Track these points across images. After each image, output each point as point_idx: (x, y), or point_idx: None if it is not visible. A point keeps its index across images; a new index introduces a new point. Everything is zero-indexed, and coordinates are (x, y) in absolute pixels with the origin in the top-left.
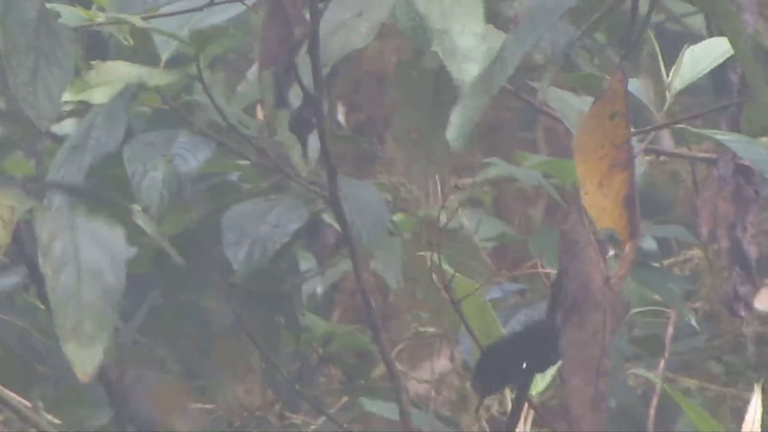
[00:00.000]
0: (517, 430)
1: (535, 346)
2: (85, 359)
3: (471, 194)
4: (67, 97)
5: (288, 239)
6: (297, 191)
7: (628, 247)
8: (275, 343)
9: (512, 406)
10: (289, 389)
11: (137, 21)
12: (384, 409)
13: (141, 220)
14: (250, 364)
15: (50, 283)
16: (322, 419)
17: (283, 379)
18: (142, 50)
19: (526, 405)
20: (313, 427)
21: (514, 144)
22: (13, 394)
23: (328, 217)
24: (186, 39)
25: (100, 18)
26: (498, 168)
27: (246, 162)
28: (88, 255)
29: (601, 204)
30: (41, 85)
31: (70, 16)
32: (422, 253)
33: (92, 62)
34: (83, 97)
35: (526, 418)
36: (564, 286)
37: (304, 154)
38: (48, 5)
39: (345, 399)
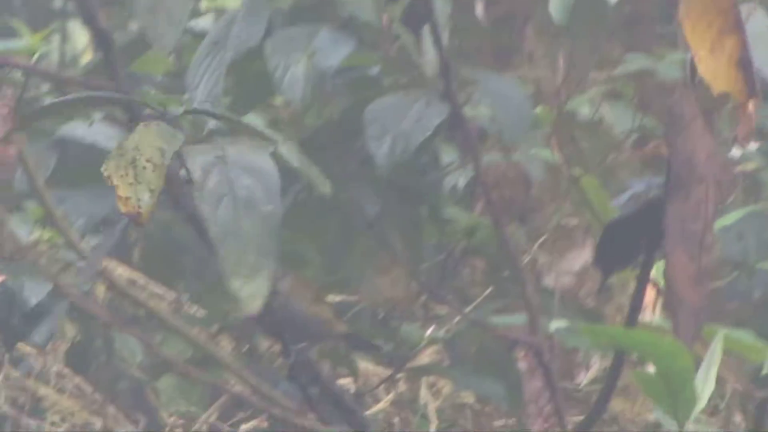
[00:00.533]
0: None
1: (654, 224)
2: (251, 292)
3: (612, 87)
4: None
5: (430, 133)
6: (438, 85)
7: (747, 108)
8: (418, 235)
9: (635, 287)
10: (433, 281)
11: None
12: (513, 320)
13: (285, 150)
14: (393, 256)
15: (209, 218)
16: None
17: (427, 271)
18: None
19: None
20: (457, 318)
21: (653, 38)
22: (156, 285)
23: (469, 111)
24: None
25: None
26: (638, 62)
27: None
28: (243, 185)
29: (714, 69)
30: (162, 12)
31: None
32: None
33: None
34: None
35: (654, 304)
36: (669, 161)
37: (420, 47)
38: None
39: (489, 290)
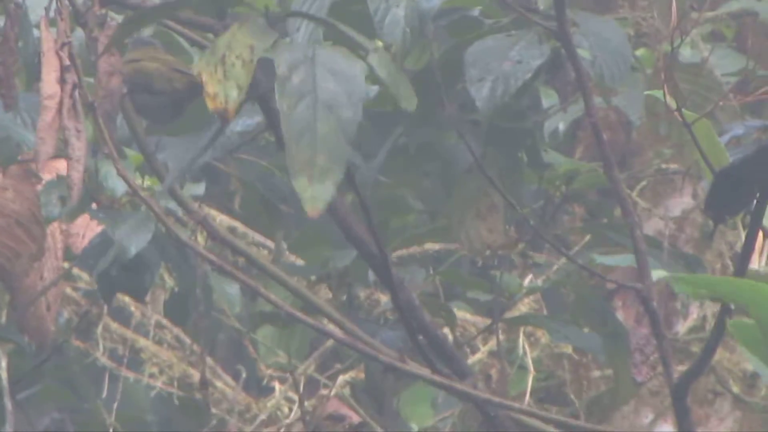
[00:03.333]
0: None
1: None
2: (316, 194)
3: (713, 28)
4: None
5: (530, 75)
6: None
7: None
8: (518, 180)
9: (746, 236)
10: (533, 227)
11: None
12: (619, 261)
13: (375, 61)
14: (492, 202)
15: (285, 114)
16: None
17: (526, 217)
18: None
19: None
20: (556, 266)
21: None
22: (256, 233)
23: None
24: None
25: None
26: (740, 2)
27: None
28: (326, 87)
29: None
30: None
31: None
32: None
33: None
34: None
35: (761, 252)
36: None
37: None
38: None
39: (588, 237)
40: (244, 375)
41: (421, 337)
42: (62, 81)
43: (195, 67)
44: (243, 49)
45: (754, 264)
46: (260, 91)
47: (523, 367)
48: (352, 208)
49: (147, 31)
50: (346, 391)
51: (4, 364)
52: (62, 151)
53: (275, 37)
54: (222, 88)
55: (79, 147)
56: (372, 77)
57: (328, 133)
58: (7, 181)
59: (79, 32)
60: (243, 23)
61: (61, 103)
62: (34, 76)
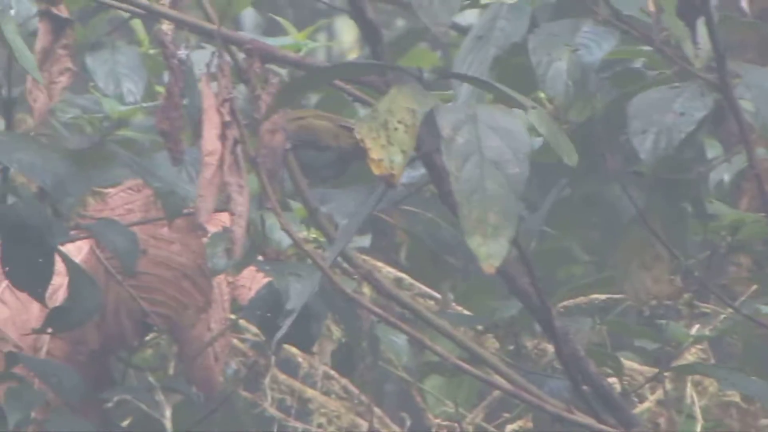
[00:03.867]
0: None
1: None
2: (490, 251)
3: None
4: None
5: (694, 127)
6: (701, 78)
7: None
8: (683, 231)
9: None
10: (698, 278)
11: None
12: None
13: (535, 117)
14: (657, 252)
15: (454, 175)
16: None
17: (692, 268)
18: None
19: None
20: (722, 316)
21: None
22: (422, 286)
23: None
24: None
25: None
26: None
27: (650, 49)
28: (491, 145)
29: None
30: None
31: None
32: None
33: None
34: None
35: None
36: None
37: (694, 40)
38: None
39: (754, 287)
40: (408, 423)
41: (586, 387)
42: (223, 137)
43: (357, 133)
44: (404, 114)
45: None
46: (424, 149)
47: (691, 416)
48: (516, 260)
49: None
50: None
51: (168, 414)
52: (226, 205)
53: (435, 98)
54: (386, 154)
55: (241, 202)
56: (535, 128)
57: (498, 191)
58: (174, 234)
59: (242, 87)
60: (402, 86)
61: (222, 159)
62: (197, 132)
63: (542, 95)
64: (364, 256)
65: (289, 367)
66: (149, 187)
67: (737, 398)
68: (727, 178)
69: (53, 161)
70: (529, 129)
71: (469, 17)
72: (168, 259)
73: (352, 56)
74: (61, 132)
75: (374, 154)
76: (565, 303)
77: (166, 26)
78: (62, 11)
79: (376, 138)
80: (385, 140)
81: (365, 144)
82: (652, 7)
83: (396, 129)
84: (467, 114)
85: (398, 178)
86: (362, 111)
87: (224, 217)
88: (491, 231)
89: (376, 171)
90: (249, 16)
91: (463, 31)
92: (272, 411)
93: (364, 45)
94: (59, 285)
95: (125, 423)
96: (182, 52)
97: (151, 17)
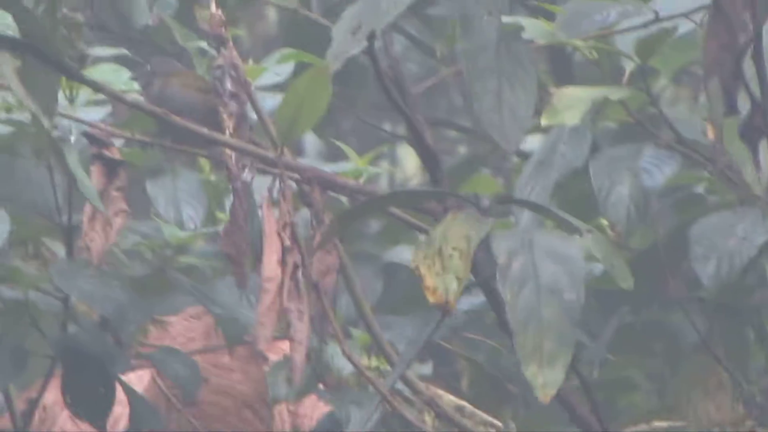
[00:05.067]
0: None
1: None
2: (546, 380)
3: None
4: (543, 122)
5: (756, 252)
6: (764, 202)
7: None
8: (745, 357)
9: None
10: (761, 404)
11: (579, 44)
12: None
13: (592, 242)
14: (719, 379)
15: (510, 302)
16: None
17: (754, 394)
18: (605, 63)
19: None
20: None
21: None
22: (483, 413)
23: None
24: (628, 54)
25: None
26: None
27: (711, 174)
28: (547, 271)
29: None
30: (506, 109)
31: (534, 29)
32: None
33: (553, 88)
34: (554, 122)
35: None
36: None
37: (756, 163)
38: (510, 19)
39: None
40: None
41: None
42: (283, 262)
43: (412, 261)
44: (459, 241)
45: None
46: (481, 276)
47: None
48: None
49: None
50: None
51: None
52: (286, 332)
53: (491, 224)
54: (441, 282)
55: (301, 329)
56: (592, 257)
57: (554, 318)
58: (235, 362)
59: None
60: (458, 213)
61: (281, 285)
62: (258, 257)
63: (604, 221)
64: (425, 384)
65: None
66: (210, 314)
67: None
68: None
69: (114, 289)
70: (589, 256)
71: (531, 143)
72: (229, 387)
73: (415, 183)
74: (121, 259)
75: (429, 281)
76: (627, 430)
77: (229, 151)
78: (114, 153)
79: (430, 266)
80: (439, 268)
81: (420, 271)
82: (712, 131)
83: (451, 256)
84: (523, 240)
85: (453, 306)
86: (422, 238)
87: (285, 345)
88: (547, 359)
89: (431, 299)
90: (311, 141)
91: (525, 156)
92: None
93: (425, 172)
94: (120, 414)
95: None
96: (245, 176)
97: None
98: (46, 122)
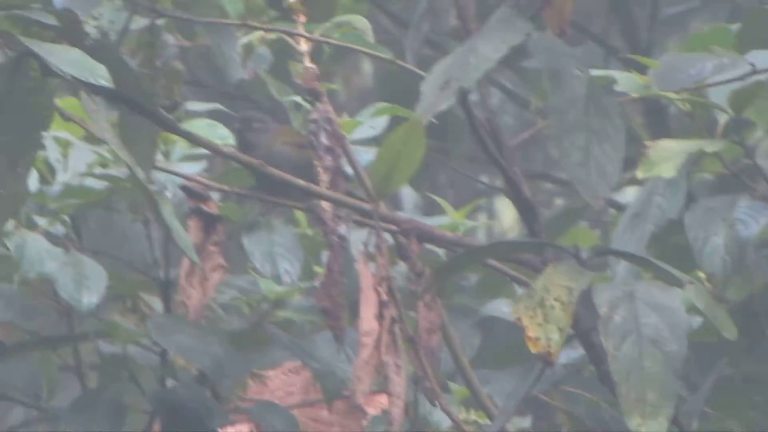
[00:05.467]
0: None
1: None
2: (650, 430)
3: None
4: (639, 174)
5: None
6: None
7: None
8: None
9: None
10: None
11: (673, 96)
12: None
13: (693, 293)
14: None
15: (612, 354)
16: None
17: None
18: (700, 115)
19: None
20: None
21: None
22: None
23: None
24: (723, 106)
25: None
26: None
27: None
28: (649, 323)
29: None
30: (594, 164)
31: (627, 82)
32: None
33: (648, 141)
34: (650, 174)
35: None
36: None
37: None
38: (601, 72)
39: None
40: None
41: None
42: (380, 317)
43: (514, 312)
44: (561, 291)
45: None
46: (582, 328)
47: None
48: None
49: None
50: None
51: None
52: (384, 386)
53: (591, 276)
54: (543, 332)
55: (398, 383)
56: (694, 308)
57: (656, 369)
58: (333, 416)
59: (402, 265)
60: (557, 265)
61: (379, 340)
62: (354, 312)
63: (701, 274)
64: None
65: None
66: (308, 368)
67: None
68: None
69: (212, 344)
70: (689, 309)
71: (627, 195)
72: None
73: (512, 236)
74: (219, 314)
75: (531, 332)
76: None
77: (325, 204)
78: (212, 208)
79: (532, 316)
80: (541, 318)
81: (521, 322)
82: None
83: (552, 307)
84: (624, 291)
85: (556, 357)
86: (519, 290)
87: (383, 399)
88: (650, 410)
89: (533, 349)
90: (408, 195)
91: (621, 208)
92: None
93: (523, 224)
94: None
95: None
96: (342, 229)
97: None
98: (142, 175)
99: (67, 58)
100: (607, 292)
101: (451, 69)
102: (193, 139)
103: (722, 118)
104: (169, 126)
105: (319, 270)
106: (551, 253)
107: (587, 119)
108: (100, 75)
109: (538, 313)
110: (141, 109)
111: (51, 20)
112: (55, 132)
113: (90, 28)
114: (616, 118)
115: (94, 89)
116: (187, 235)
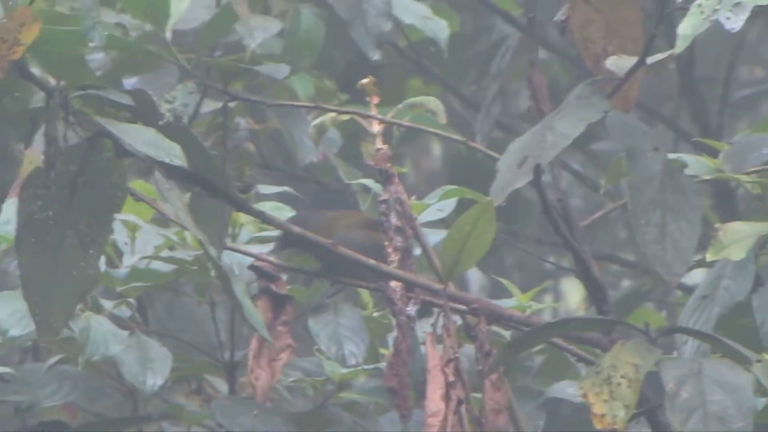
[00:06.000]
0: None
1: None
2: None
3: None
4: (709, 257)
5: None
6: None
7: None
8: None
9: None
10: None
11: (743, 178)
12: None
13: (760, 371)
14: None
15: (677, 430)
16: None
17: None
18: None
19: None
20: None
21: None
22: None
23: None
24: None
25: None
26: None
27: None
28: (715, 400)
29: None
30: (669, 242)
31: (697, 165)
32: None
33: (717, 223)
34: (720, 256)
35: None
36: None
37: None
38: (673, 155)
39: None
40: None
41: None
42: (447, 397)
43: (580, 389)
44: (628, 368)
45: None
46: (647, 405)
47: None
48: None
49: None
50: None
51: None
52: None
53: (659, 353)
54: (609, 409)
55: None
56: (760, 389)
57: None
58: None
59: (468, 347)
60: (625, 342)
61: (445, 420)
62: (421, 392)
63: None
64: None
65: None
66: None
67: None
68: None
69: (276, 425)
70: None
71: (695, 277)
72: None
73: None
74: (283, 395)
75: (597, 409)
76: None
77: (394, 283)
78: (282, 288)
79: (599, 393)
80: (607, 395)
81: (587, 399)
82: None
83: (619, 384)
84: (692, 369)
85: None
86: (584, 371)
87: None
88: None
89: (598, 426)
90: (475, 277)
91: (688, 290)
92: None
93: (590, 305)
94: None
95: None
96: (410, 309)
97: (379, 278)
98: (214, 252)
99: (142, 138)
100: (675, 368)
101: (528, 147)
102: (265, 219)
103: None
104: (242, 206)
105: (384, 352)
106: (619, 333)
107: (663, 196)
108: (175, 155)
109: (605, 390)
110: (214, 190)
111: (126, 100)
112: (123, 215)
113: (163, 110)
114: (692, 196)
115: (168, 169)
116: (258, 314)
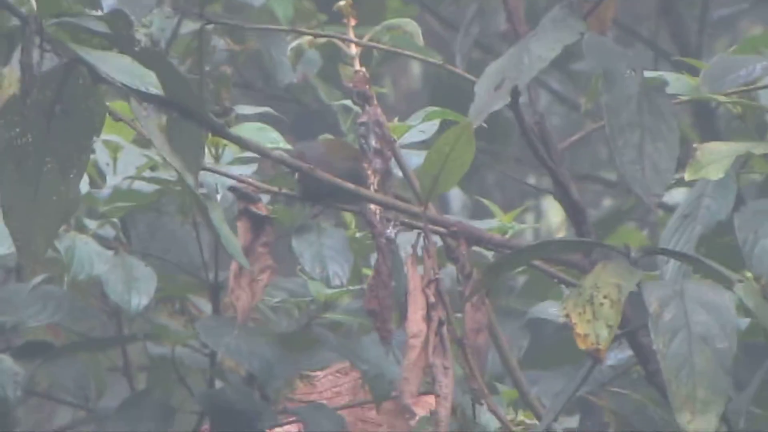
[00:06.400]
0: None
1: None
2: (699, 427)
3: None
4: (687, 176)
5: None
6: None
7: None
8: None
9: None
10: None
11: (722, 98)
12: None
13: (742, 292)
14: None
15: (661, 351)
16: None
17: None
18: (749, 117)
19: None
20: None
21: None
22: None
23: None
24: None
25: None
26: None
27: None
28: (699, 320)
29: None
30: (648, 162)
31: (678, 84)
32: None
33: (697, 143)
34: (698, 176)
35: None
36: None
37: None
38: (654, 74)
39: None
40: None
41: None
42: (428, 318)
43: (563, 309)
44: (610, 289)
45: None
46: (629, 327)
47: None
48: None
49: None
50: None
51: None
52: (431, 387)
53: (640, 274)
54: (592, 329)
55: (446, 384)
56: (741, 309)
57: (706, 366)
58: (382, 417)
59: (451, 267)
60: (607, 263)
61: (427, 341)
62: (403, 313)
63: (749, 275)
64: None
65: None
66: (357, 370)
67: None
68: None
69: (260, 345)
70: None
71: (676, 196)
72: None
73: (560, 236)
74: (268, 316)
75: (580, 329)
76: None
77: (374, 207)
78: (261, 209)
79: (581, 313)
80: (590, 315)
81: (571, 319)
82: None
83: (602, 304)
84: (674, 289)
85: (604, 353)
86: (567, 292)
87: (431, 400)
88: (700, 407)
89: (581, 346)
90: (456, 197)
91: (669, 209)
92: None
93: (571, 225)
94: None
95: None
96: (390, 231)
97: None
98: (190, 179)
99: (117, 66)
100: (657, 290)
101: (505, 69)
102: (242, 144)
103: None
104: (219, 131)
105: (367, 272)
106: (600, 253)
107: (641, 117)
108: (150, 82)
109: (587, 310)
110: (190, 115)
111: (101, 27)
112: (105, 135)
113: (140, 35)
114: (669, 117)
115: (144, 96)
116: (236, 239)
